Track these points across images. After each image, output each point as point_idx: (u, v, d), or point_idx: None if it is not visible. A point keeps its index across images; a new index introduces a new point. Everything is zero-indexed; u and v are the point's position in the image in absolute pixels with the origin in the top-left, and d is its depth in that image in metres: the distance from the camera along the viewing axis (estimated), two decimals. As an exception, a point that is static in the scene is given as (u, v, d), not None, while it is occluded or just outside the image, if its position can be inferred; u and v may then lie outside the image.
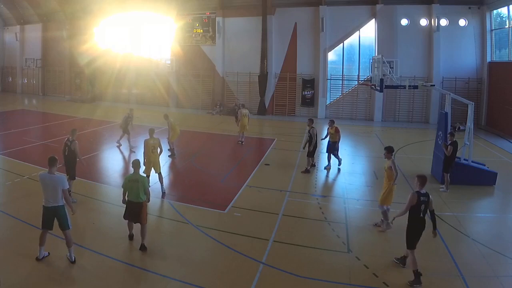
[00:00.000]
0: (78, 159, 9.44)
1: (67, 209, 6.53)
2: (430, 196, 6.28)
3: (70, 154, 9.34)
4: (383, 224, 8.26)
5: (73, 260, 6.50)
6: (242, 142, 16.42)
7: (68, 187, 6.61)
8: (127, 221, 7.38)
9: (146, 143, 9.92)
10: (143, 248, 7.06)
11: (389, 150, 8.51)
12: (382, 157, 14.59)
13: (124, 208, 7.33)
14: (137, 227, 7.27)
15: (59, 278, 6.13)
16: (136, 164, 7.40)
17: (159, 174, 10.08)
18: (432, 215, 6.25)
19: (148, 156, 9.87)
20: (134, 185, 7.10)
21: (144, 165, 9.77)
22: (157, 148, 9.94)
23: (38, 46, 33.45)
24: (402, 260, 6.74)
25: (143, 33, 28.68)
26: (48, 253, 6.64)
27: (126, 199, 7.26)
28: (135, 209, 7.12)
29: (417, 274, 6.13)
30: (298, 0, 24.90)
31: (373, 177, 12.29)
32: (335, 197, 10.37)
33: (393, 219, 7.30)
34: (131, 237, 7.42)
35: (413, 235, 6.28)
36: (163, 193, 9.98)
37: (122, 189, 7.31)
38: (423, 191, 6.28)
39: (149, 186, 7.27)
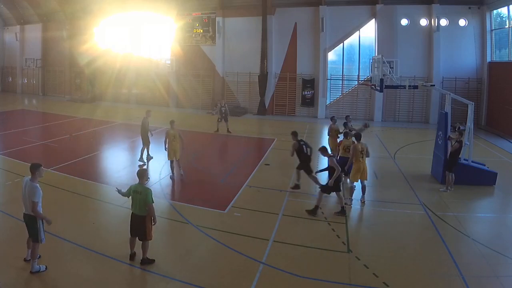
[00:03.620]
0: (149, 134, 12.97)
1: (41, 222, 6.09)
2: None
3: (143, 129, 12.92)
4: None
5: (33, 271, 6.06)
6: None
7: (37, 200, 5.93)
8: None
9: (167, 133, 11.33)
10: (144, 262, 6.52)
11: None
12: (382, 157, 14.72)
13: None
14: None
15: (59, 279, 6.13)
16: (141, 174, 6.66)
17: (178, 160, 11.49)
18: (310, 151, 10.19)
19: (170, 144, 11.22)
20: (136, 196, 6.48)
21: (167, 152, 11.36)
22: (177, 137, 11.29)
23: (38, 46, 33.45)
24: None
25: (143, 33, 28.68)
26: (40, 255, 6.33)
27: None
28: (137, 224, 6.49)
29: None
30: (298, 0, 24.90)
31: (373, 177, 12.29)
32: (335, 197, 10.32)
33: (318, 172, 9.94)
34: (132, 256, 6.67)
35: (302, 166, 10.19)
36: (182, 174, 11.56)
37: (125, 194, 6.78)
38: (300, 138, 10.32)
39: (153, 202, 6.48)
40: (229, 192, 10.35)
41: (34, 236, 6.11)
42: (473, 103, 11.65)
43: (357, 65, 24.70)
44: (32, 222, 6.08)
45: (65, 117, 22.35)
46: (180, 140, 11.34)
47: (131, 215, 6.62)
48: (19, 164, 12.06)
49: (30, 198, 5.95)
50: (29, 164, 6.22)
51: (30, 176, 6.13)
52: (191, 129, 19.98)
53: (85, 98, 29.97)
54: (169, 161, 11.42)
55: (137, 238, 6.62)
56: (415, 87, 12.56)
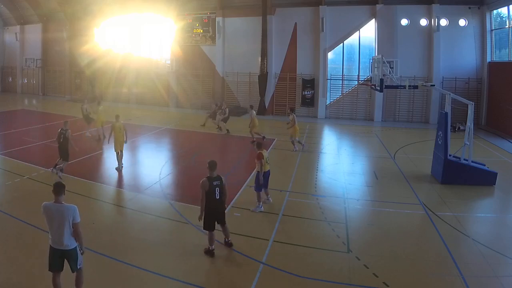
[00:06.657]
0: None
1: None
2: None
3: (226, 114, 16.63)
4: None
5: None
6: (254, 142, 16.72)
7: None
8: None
9: (113, 126, 12.11)
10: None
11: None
12: (382, 157, 14.72)
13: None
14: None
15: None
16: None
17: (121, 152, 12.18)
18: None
19: (115, 136, 11.99)
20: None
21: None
22: (123, 130, 12.02)
23: (38, 46, 33.46)
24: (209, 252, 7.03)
25: (143, 33, 28.68)
26: None
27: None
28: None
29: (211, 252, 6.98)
30: (298, 0, 24.89)
31: (373, 177, 12.30)
32: (335, 197, 10.35)
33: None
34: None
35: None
36: (122, 166, 12.10)
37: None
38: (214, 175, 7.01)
39: None
40: (229, 192, 10.30)
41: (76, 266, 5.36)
42: (473, 103, 11.64)
43: (357, 65, 24.68)
44: (75, 253, 5.33)
45: (65, 117, 22.29)
46: (125, 132, 12.12)
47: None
48: (19, 164, 12.06)
49: (71, 222, 5.15)
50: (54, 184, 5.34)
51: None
52: (190, 129, 20.02)
53: (85, 98, 29.93)
54: (115, 152, 12.07)
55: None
56: (415, 87, 12.56)
